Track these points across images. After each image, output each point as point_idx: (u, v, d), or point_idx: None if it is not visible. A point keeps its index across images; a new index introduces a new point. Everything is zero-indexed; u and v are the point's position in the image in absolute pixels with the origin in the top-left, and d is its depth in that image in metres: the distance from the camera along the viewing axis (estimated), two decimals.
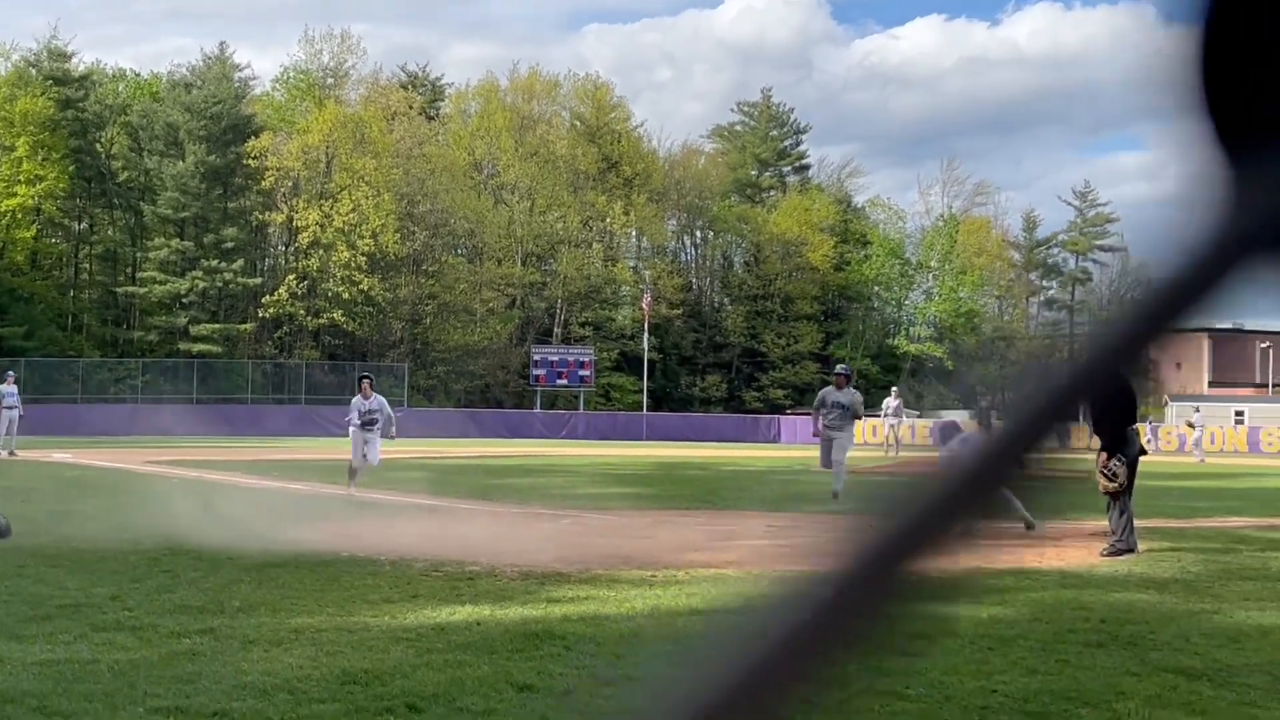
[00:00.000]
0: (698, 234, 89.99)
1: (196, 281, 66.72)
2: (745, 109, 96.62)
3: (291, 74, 78.79)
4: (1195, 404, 53.15)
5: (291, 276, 68.68)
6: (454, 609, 9.07)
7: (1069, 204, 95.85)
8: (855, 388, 22.05)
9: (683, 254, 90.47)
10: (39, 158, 66.66)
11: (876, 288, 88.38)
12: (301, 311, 68.91)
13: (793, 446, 50.75)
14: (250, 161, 68.66)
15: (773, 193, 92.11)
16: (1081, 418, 0.67)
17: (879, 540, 0.67)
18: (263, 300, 68.16)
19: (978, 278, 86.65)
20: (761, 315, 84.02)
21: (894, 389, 51.13)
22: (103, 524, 14.38)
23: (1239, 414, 74.89)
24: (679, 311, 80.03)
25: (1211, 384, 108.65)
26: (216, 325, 67.08)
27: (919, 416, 70.10)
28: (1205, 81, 0.56)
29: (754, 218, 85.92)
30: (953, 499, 0.65)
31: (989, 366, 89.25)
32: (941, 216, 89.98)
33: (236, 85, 73.05)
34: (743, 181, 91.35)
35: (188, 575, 10.58)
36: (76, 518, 15.53)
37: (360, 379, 22.20)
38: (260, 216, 70.16)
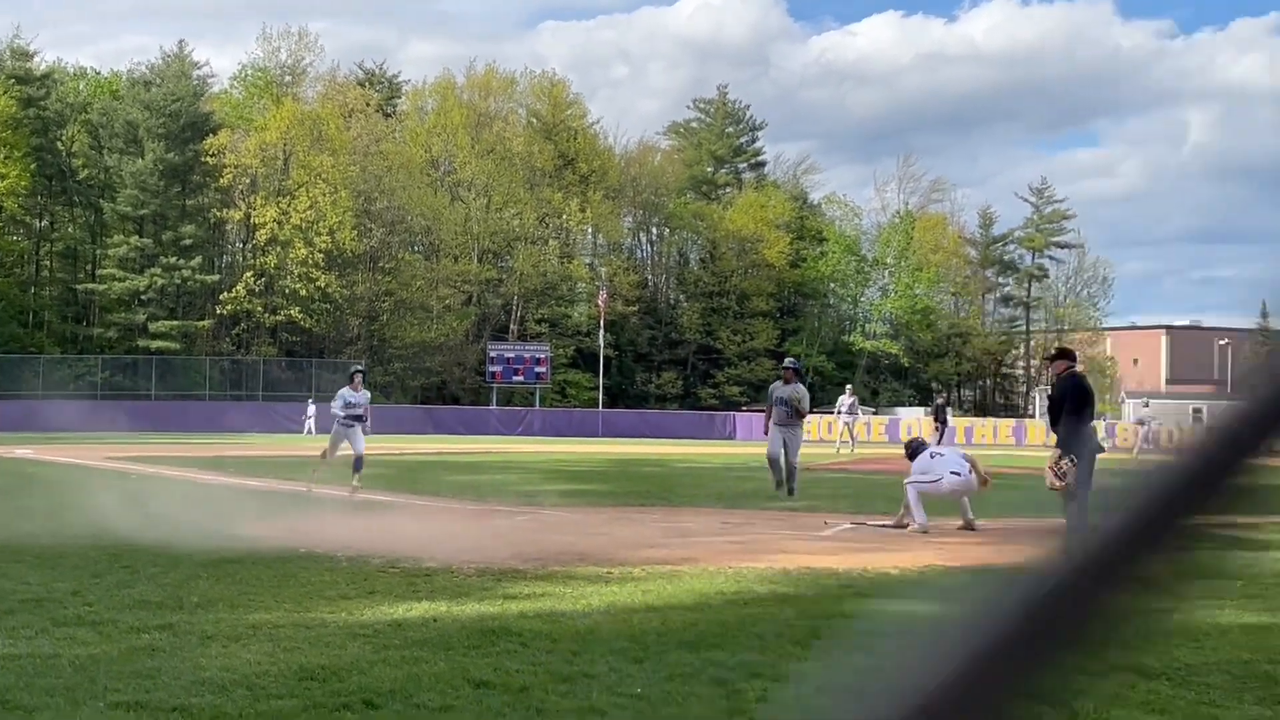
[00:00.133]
0: (654, 231, 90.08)
1: (155, 279, 66.49)
2: (701, 106, 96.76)
3: (249, 72, 78.54)
4: (1145, 399, 53.36)
5: (249, 273, 68.42)
6: (411, 605, 9.10)
7: (1025, 200, 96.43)
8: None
9: (639, 251, 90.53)
10: (0, 156, 66.23)
11: (832, 284, 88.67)
12: (259, 308, 68.65)
13: (748, 443, 50.88)
14: (208, 159, 68.39)
15: (728, 189, 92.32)
16: None
17: (1105, 536, 0.67)
18: (220, 297, 67.87)
19: (934, 274, 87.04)
20: (717, 312, 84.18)
21: (848, 386, 51.35)
22: (63, 520, 14.33)
23: (1197, 411, 75.36)
24: (635, 308, 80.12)
25: (1169, 381, 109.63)
26: (175, 322, 66.87)
27: (874, 413, 70.45)
28: None
29: (710, 214, 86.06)
30: (1182, 494, 0.65)
31: (945, 363, 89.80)
32: (898, 213, 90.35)
33: (195, 83, 72.80)
34: (699, 178, 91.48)
35: (147, 571, 10.57)
36: (37, 513, 15.46)
37: (353, 372, 22.14)
38: (218, 214, 69.90)
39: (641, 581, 10.60)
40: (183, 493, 20.60)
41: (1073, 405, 13.82)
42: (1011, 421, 67.83)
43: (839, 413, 47.75)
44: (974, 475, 16.24)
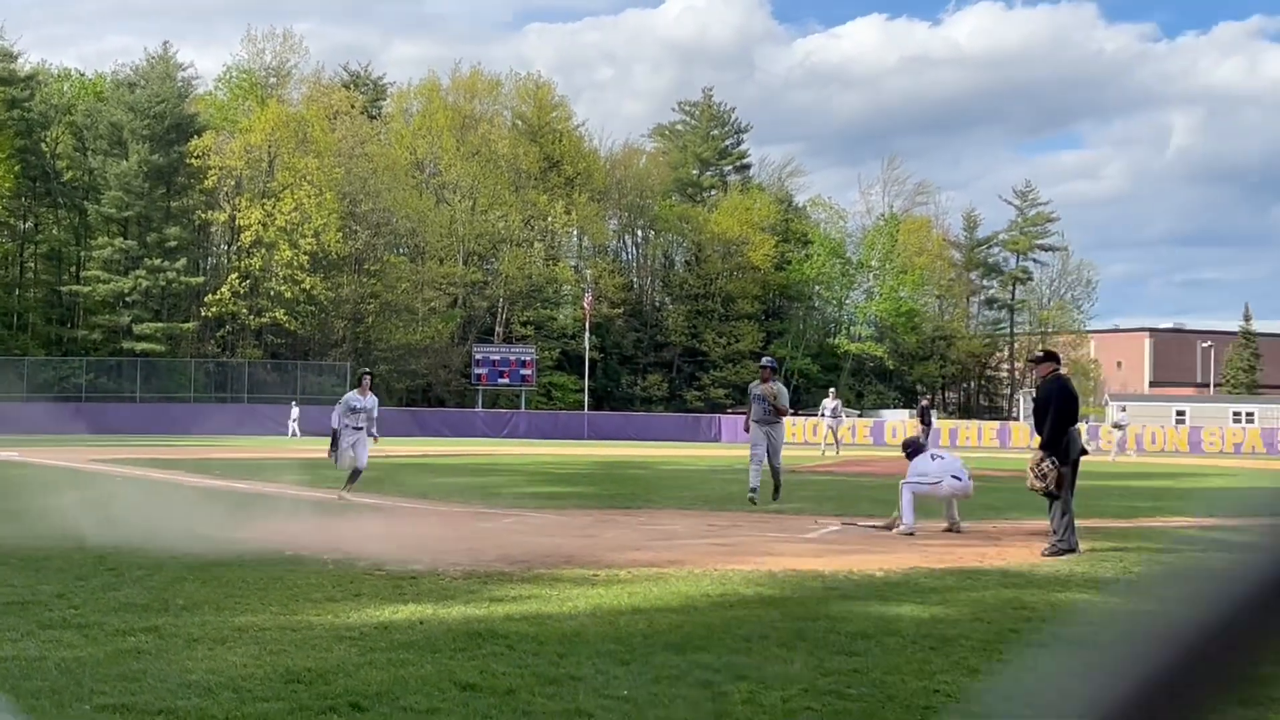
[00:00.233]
0: (639, 233, 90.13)
1: (140, 280, 66.38)
2: (686, 108, 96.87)
3: (234, 73, 78.40)
4: (1122, 404, 53.44)
5: (234, 275, 68.28)
6: (397, 608, 9.08)
7: (1009, 203, 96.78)
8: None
9: (624, 253, 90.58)
10: None
11: (817, 287, 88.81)
12: (244, 310, 68.52)
13: (733, 445, 50.91)
14: (193, 161, 68.28)
15: (714, 192, 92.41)
16: None
17: None
18: (205, 299, 67.71)
19: (918, 277, 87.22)
20: (702, 314, 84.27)
21: (831, 389, 51.36)
22: (48, 522, 14.27)
23: (1180, 414, 75.72)
24: (620, 311, 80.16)
25: (1152, 384, 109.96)
26: (159, 324, 66.69)
27: (859, 415, 70.54)
28: None
29: (695, 217, 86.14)
30: None
31: (930, 365, 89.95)
32: (882, 216, 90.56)
33: (179, 85, 72.65)
34: (684, 181, 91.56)
35: (132, 573, 10.53)
36: (22, 515, 15.41)
37: (361, 374, 21.51)
38: (203, 215, 69.80)
39: (627, 584, 10.59)
40: (168, 495, 20.54)
41: (1058, 408, 13.85)
42: (996, 424, 67.99)
43: (823, 415, 47.81)
44: (972, 481, 16.21)
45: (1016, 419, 73.66)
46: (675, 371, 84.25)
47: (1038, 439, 14.22)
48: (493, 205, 77.03)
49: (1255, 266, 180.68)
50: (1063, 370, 14.94)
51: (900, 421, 65.10)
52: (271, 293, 68.01)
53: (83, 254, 70.65)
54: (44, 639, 7.73)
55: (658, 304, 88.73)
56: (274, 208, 67.87)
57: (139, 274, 66.55)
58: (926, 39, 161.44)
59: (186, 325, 68.27)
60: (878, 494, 22.76)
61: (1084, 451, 14.43)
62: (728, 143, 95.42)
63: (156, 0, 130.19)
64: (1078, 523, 13.92)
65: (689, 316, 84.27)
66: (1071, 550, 13.37)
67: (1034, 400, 14.67)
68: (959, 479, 15.98)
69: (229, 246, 73.38)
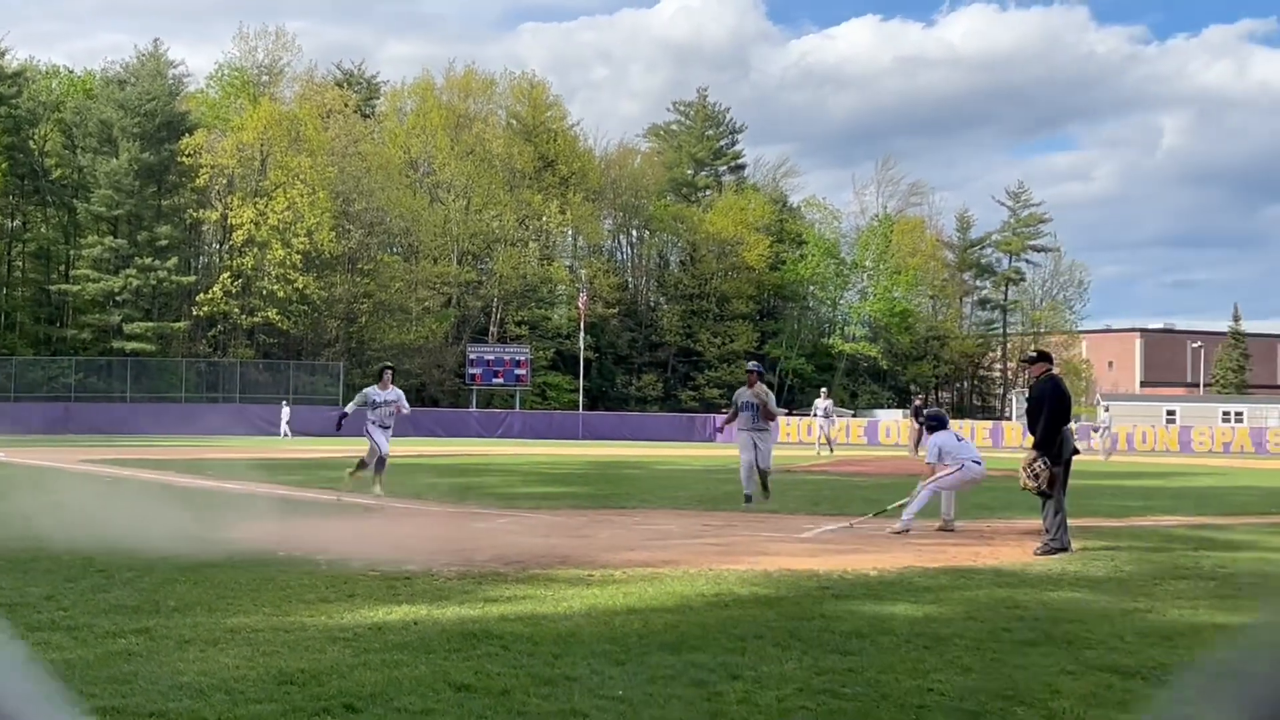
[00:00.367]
0: (634, 233, 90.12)
1: (130, 279, 66.01)
2: (681, 108, 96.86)
3: (226, 71, 78.17)
4: (1106, 404, 53.42)
5: (226, 275, 68.11)
6: (391, 609, 9.04)
7: (1002, 204, 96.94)
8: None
9: (619, 253, 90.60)
10: None
11: (812, 287, 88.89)
12: (236, 310, 68.36)
13: (728, 445, 50.81)
14: (184, 159, 68.04)
15: (708, 192, 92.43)
16: None
17: None
18: (197, 298, 67.53)
19: (912, 277, 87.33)
20: (697, 314, 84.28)
21: (823, 389, 51.36)
22: (37, 523, 14.19)
23: (1170, 414, 75.84)
24: (615, 311, 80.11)
25: (1143, 384, 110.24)
26: (150, 323, 66.37)
27: (853, 415, 70.56)
28: None
29: (690, 217, 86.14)
30: None
31: (923, 365, 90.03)
32: (876, 216, 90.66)
33: (170, 82, 72.29)
34: (679, 181, 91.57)
35: (122, 575, 10.47)
36: (10, 517, 15.33)
37: (381, 369, 20.97)
38: (194, 214, 69.56)
39: (622, 584, 10.57)
40: (159, 496, 20.48)
41: (1050, 408, 13.87)
42: (989, 423, 68.02)
43: (815, 415, 47.83)
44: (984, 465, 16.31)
45: (1009, 419, 73.71)
46: (670, 371, 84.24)
47: (1030, 438, 14.25)
48: (487, 205, 76.95)
49: (1244, 267, 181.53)
50: (1055, 370, 14.96)
51: (894, 421, 65.13)
52: (264, 292, 67.86)
53: (72, 253, 70.36)
54: (33, 641, 7.67)
55: (652, 304, 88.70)
56: (266, 206, 67.73)
57: (129, 273, 66.18)
58: (920, 40, 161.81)
59: (178, 325, 68.01)
60: (871, 494, 22.75)
61: (1076, 451, 14.48)
62: (722, 143, 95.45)
63: None
64: (1070, 522, 13.94)
65: (684, 316, 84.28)
66: (1064, 549, 13.39)
67: (1027, 400, 14.68)
68: (979, 463, 16.05)
69: (221, 245, 73.16)
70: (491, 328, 77.44)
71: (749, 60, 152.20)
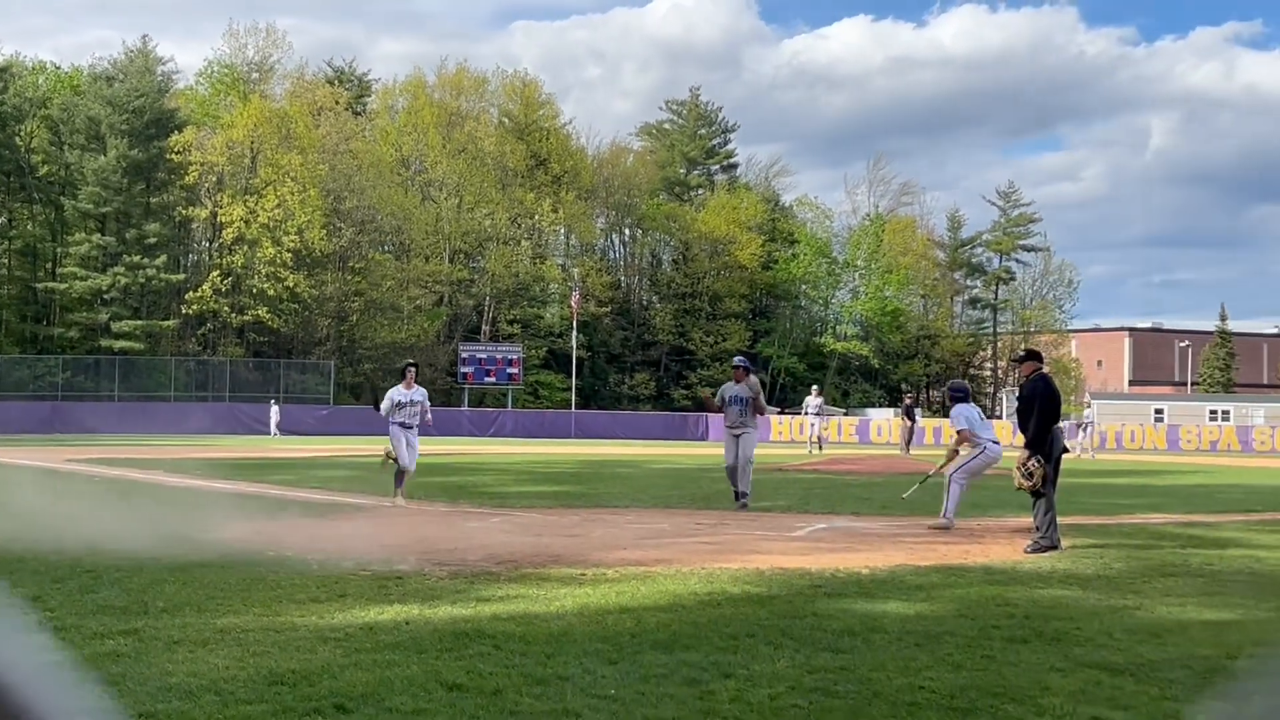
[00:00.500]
0: (626, 232, 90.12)
1: (118, 277, 65.73)
2: (674, 107, 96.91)
3: (216, 68, 78.04)
4: (1088, 400, 53.38)
5: (215, 273, 67.90)
6: (382, 608, 9.02)
7: (993, 204, 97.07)
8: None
9: (611, 252, 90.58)
10: None
11: (804, 286, 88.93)
12: (226, 308, 68.20)
13: (721, 444, 50.87)
14: (174, 156, 67.75)
15: (701, 191, 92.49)
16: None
17: None
18: (186, 297, 67.29)
19: (903, 276, 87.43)
20: (690, 313, 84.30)
21: (814, 387, 51.38)
22: (23, 523, 14.13)
23: (1158, 412, 76.02)
24: (607, 309, 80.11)
25: (1132, 383, 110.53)
26: (139, 322, 66.10)
27: (844, 414, 70.61)
28: None
29: (682, 216, 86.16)
30: None
31: (914, 364, 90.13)
32: (868, 216, 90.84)
33: (159, 79, 71.97)
34: (671, 180, 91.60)
35: (110, 575, 10.41)
36: None
37: (404, 367, 20.07)
38: (184, 212, 69.21)
39: (615, 583, 10.55)
40: (148, 495, 20.43)
41: (1041, 407, 13.90)
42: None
43: (806, 413, 47.82)
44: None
45: (1000, 417, 73.74)
46: (662, 370, 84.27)
47: (1021, 437, 14.29)
48: (479, 203, 76.89)
49: (1231, 267, 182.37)
50: (1045, 369, 14.98)
51: (885, 420, 65.20)
52: (254, 290, 67.67)
53: (59, 250, 69.82)
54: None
55: (645, 303, 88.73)
56: (256, 204, 67.55)
57: (118, 271, 65.84)
58: (911, 40, 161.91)
59: (167, 323, 67.79)
60: (862, 492, 22.78)
61: (1065, 449, 14.54)
62: (715, 142, 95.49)
63: None
64: (1060, 520, 13.98)
65: (676, 315, 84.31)
66: (1054, 547, 13.43)
67: (1017, 399, 14.71)
68: (996, 444, 16.14)
69: (210, 243, 72.93)
70: (484, 326, 77.41)
71: (741, 59, 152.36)
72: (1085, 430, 46.74)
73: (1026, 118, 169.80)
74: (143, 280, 66.22)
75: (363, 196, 72.67)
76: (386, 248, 78.06)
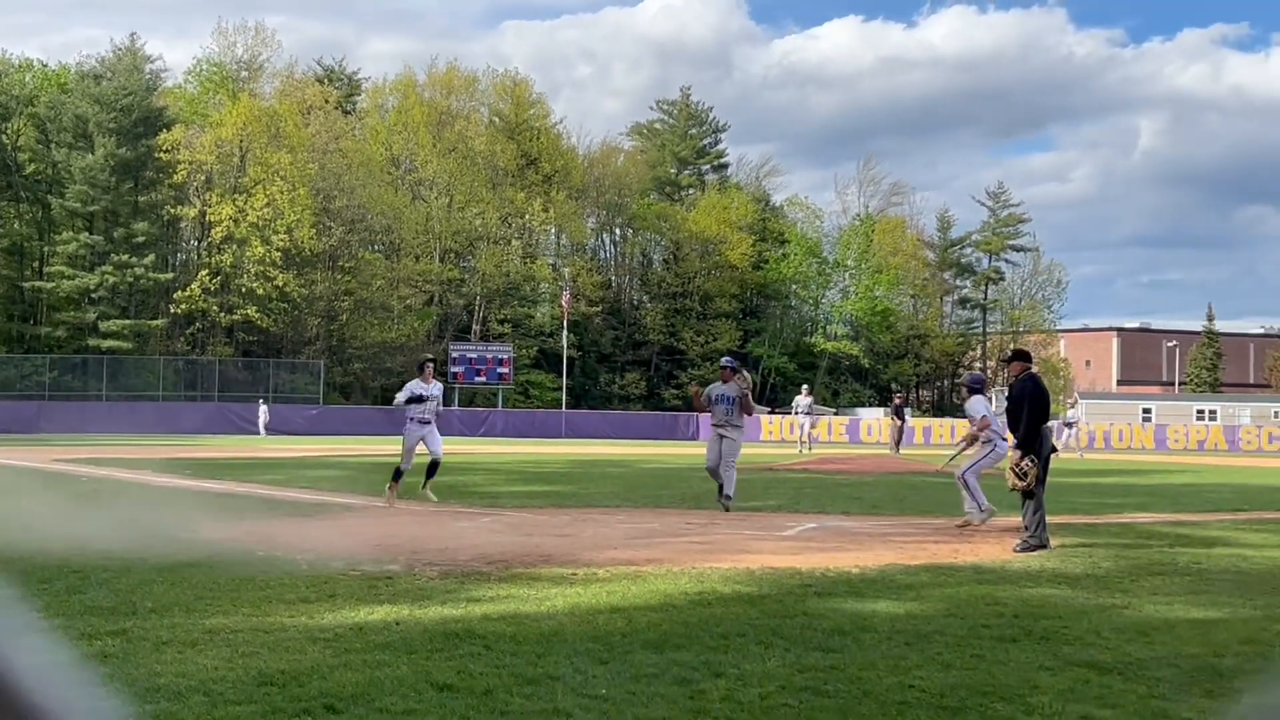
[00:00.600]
0: (617, 232, 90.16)
1: (106, 276, 65.48)
2: (664, 107, 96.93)
3: (204, 66, 77.90)
4: (1074, 400, 53.39)
5: (204, 272, 67.74)
6: (372, 609, 9.00)
7: (982, 204, 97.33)
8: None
9: (602, 251, 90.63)
10: None
11: (794, 286, 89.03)
12: (215, 307, 68.05)
13: None
14: (162, 155, 67.58)
15: (692, 191, 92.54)
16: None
17: None
18: (175, 296, 67.12)
19: (893, 276, 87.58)
20: (680, 313, 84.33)
21: (804, 386, 51.39)
22: (9, 524, 14.09)
23: (1146, 412, 76.20)
24: (598, 309, 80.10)
25: (1120, 382, 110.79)
26: (127, 321, 65.87)
27: (834, 414, 70.67)
28: None
29: (673, 216, 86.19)
30: None
31: (904, 364, 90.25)
32: (858, 216, 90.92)
33: (147, 77, 71.65)
34: (662, 179, 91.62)
35: (98, 576, 10.37)
36: None
37: (423, 362, 19.67)
38: (172, 211, 69.00)
39: (606, 583, 10.54)
40: (135, 495, 20.37)
41: (1031, 406, 13.93)
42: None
43: (796, 412, 47.84)
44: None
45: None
46: (653, 370, 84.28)
47: (1011, 437, 14.32)
48: (469, 202, 76.81)
49: (1218, 268, 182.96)
50: (1034, 369, 15.02)
51: (875, 419, 65.25)
52: (243, 289, 67.51)
53: (46, 249, 69.31)
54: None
55: (636, 302, 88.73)
56: (246, 203, 67.42)
57: (105, 270, 65.56)
58: (902, 41, 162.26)
59: (155, 322, 67.59)
60: (853, 491, 22.80)
61: (1054, 449, 14.58)
62: (705, 142, 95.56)
63: None
64: (1049, 519, 14.02)
65: (667, 315, 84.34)
66: (1043, 546, 13.46)
67: (1006, 399, 14.74)
68: (1005, 440, 16.20)
69: (199, 242, 72.68)
70: (474, 326, 77.34)
71: (732, 59, 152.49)
72: (1071, 429, 46.78)
73: (1016, 118, 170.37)
74: (131, 279, 65.97)
75: (352, 195, 72.58)
76: (376, 247, 77.98)
